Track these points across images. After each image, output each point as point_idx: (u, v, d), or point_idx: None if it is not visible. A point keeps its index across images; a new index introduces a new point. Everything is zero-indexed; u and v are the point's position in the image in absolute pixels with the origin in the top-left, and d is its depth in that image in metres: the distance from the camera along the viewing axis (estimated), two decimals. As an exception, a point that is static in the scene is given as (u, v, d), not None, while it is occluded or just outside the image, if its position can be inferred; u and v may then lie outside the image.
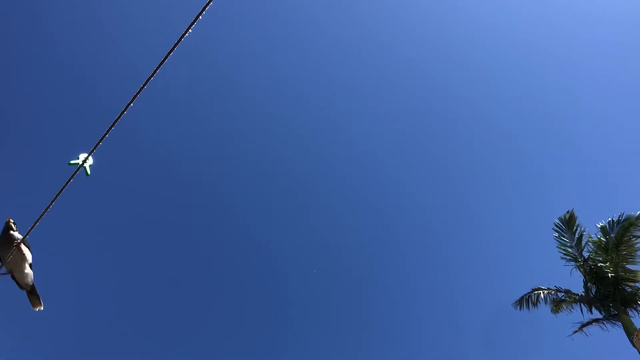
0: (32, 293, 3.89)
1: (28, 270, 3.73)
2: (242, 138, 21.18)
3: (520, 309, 13.36)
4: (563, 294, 13.05)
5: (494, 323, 17.16)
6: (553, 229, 13.47)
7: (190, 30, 2.60)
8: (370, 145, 21.52)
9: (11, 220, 3.63)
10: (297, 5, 20.18)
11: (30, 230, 3.40)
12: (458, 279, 20.56)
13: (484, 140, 21.36)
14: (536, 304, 13.13)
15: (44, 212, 2.69)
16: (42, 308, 3.95)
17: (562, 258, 13.25)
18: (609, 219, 12.73)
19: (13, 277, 3.76)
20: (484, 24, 20.29)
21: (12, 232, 3.60)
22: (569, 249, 13.13)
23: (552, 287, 13.26)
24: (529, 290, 13.39)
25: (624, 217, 12.37)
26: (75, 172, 2.67)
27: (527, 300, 13.27)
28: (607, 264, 12.28)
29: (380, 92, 21.02)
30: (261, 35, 20.02)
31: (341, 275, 21.41)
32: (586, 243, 12.90)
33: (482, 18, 20.16)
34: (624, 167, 20.10)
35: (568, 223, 13.17)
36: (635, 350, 11.12)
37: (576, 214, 13.11)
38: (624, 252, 12.18)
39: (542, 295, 13.14)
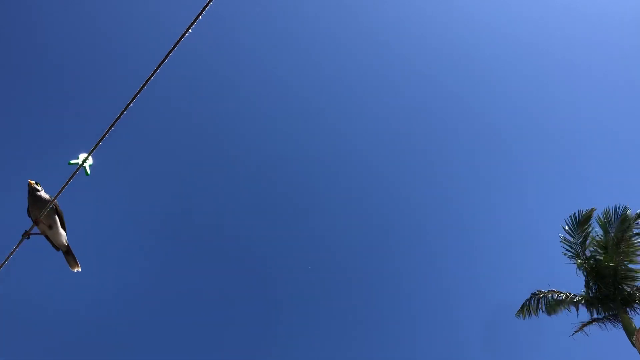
0: (68, 254, 3.88)
1: (61, 230, 3.71)
2: (242, 138, 21.20)
3: (523, 317, 13.26)
4: (563, 296, 13.02)
5: (493, 323, 17.17)
6: (565, 220, 13.25)
7: (190, 30, 2.61)
8: (370, 145, 21.54)
9: (33, 182, 3.55)
10: (297, 5, 20.20)
11: (31, 227, 3.40)
12: (458, 279, 20.57)
13: (485, 142, 21.37)
14: (536, 311, 13.06)
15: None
16: (79, 269, 3.93)
17: (564, 254, 13.24)
18: (608, 210, 12.56)
19: (47, 238, 3.75)
20: (484, 24, 20.30)
21: (38, 193, 3.55)
22: (573, 246, 13.10)
23: (552, 289, 13.24)
24: (529, 295, 13.34)
25: (620, 209, 12.30)
26: (75, 172, 2.67)
27: (528, 308, 13.18)
28: (608, 262, 12.28)
29: (380, 92, 21.03)
30: (261, 35, 20.02)
31: (341, 275, 21.42)
32: (590, 243, 12.86)
33: (481, 18, 20.17)
34: (627, 166, 20.11)
35: (582, 221, 12.90)
36: (635, 350, 11.13)
37: (592, 214, 12.85)
38: (624, 250, 12.17)
39: (542, 299, 13.09)
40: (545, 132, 20.97)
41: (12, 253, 2.67)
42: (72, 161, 2.72)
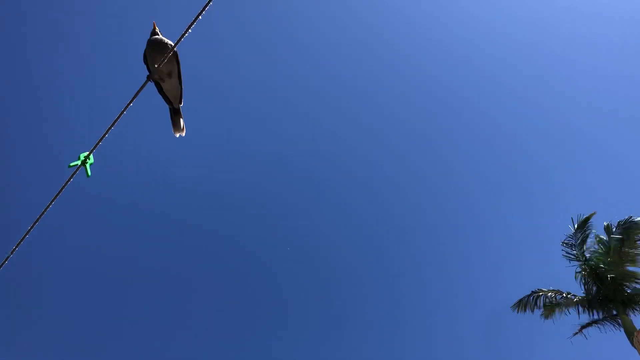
0: (177, 113, 3.43)
1: (177, 83, 3.27)
2: (241, 138, 21.19)
3: (518, 311, 13.34)
4: (562, 296, 13.02)
5: (493, 324, 17.16)
6: (572, 218, 13.32)
7: (190, 30, 2.61)
8: (372, 145, 21.53)
9: (156, 25, 3.16)
10: (296, 5, 20.19)
11: (30, 229, 3.39)
12: (459, 279, 20.55)
13: (487, 141, 21.36)
14: (533, 308, 13.11)
15: (44, 211, 2.69)
16: (183, 134, 3.45)
17: (564, 257, 13.28)
18: (618, 220, 12.69)
19: (160, 90, 3.30)
20: (485, 24, 20.29)
21: (158, 36, 3.11)
22: (572, 248, 13.15)
23: (552, 289, 13.26)
24: (529, 292, 13.37)
25: (630, 221, 12.29)
26: (75, 171, 2.66)
27: (525, 304, 13.24)
28: (609, 264, 12.29)
29: (383, 93, 21.02)
30: (260, 36, 20.01)
31: (342, 274, 21.41)
32: (590, 246, 12.94)
33: (483, 18, 20.16)
34: (629, 168, 20.10)
35: (581, 223, 13.03)
36: (635, 350, 11.12)
37: (591, 217, 12.98)
38: (627, 254, 12.16)
39: (540, 298, 13.13)
40: (548, 132, 20.98)
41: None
42: (72, 163, 2.70)
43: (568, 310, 12.92)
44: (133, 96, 2.64)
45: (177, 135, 3.44)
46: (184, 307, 20.07)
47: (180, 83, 3.25)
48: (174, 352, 18.92)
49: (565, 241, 13.29)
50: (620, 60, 19.11)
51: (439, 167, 21.47)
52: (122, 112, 2.80)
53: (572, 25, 19.50)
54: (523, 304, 13.27)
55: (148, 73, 3.05)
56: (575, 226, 13.11)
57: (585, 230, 13.00)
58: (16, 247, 3.61)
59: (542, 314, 12.94)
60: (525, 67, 20.46)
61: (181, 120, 3.43)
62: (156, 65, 3.01)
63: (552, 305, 12.89)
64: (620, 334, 11.99)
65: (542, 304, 13.04)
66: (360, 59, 20.79)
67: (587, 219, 12.96)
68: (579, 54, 19.66)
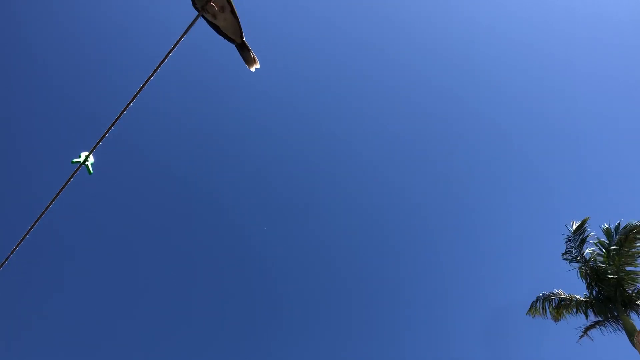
0: (243, 48, 3.21)
1: (233, 17, 3.04)
2: (240, 138, 21.21)
3: (533, 316, 13.51)
4: (565, 298, 13.06)
5: (495, 326, 17.15)
6: (566, 228, 13.53)
7: (190, 31, 2.62)
8: (371, 145, 21.53)
9: None
10: (294, 6, 20.24)
11: (30, 229, 3.40)
12: (460, 282, 20.54)
13: (491, 145, 21.39)
14: (545, 312, 13.23)
15: (44, 210, 2.70)
16: (258, 66, 3.24)
17: (564, 259, 13.35)
18: (616, 223, 12.76)
19: (218, 30, 3.10)
20: (485, 26, 20.33)
21: None
22: (573, 250, 13.22)
23: (556, 291, 13.34)
24: (535, 298, 13.54)
25: (629, 225, 12.33)
26: (76, 170, 2.68)
27: (536, 309, 13.38)
28: (609, 265, 12.31)
29: (381, 94, 21.04)
30: (258, 36, 20.06)
31: (342, 276, 21.39)
32: (589, 250, 12.98)
33: (482, 19, 20.19)
34: (630, 170, 20.13)
35: (577, 227, 13.23)
36: (636, 351, 11.13)
37: (586, 221, 13.18)
38: (626, 255, 12.18)
39: (547, 301, 13.25)
40: (552, 135, 21.02)
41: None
42: (74, 159, 2.71)
43: (575, 311, 12.99)
44: (138, 89, 2.66)
45: (253, 68, 3.25)
46: (183, 303, 20.06)
47: (235, 16, 3.06)
48: (175, 352, 18.91)
49: (566, 251, 13.40)
50: (618, 66, 19.16)
51: (441, 174, 21.50)
52: (123, 112, 2.81)
53: (568, 32, 19.55)
54: (534, 309, 13.42)
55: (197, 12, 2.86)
56: (573, 229, 13.25)
57: (582, 233, 13.13)
58: (17, 246, 3.63)
59: (553, 318, 13.08)
60: (529, 74, 20.52)
61: (251, 53, 3.22)
62: (212, 2, 2.86)
63: (559, 308, 13.00)
64: (621, 335, 12.00)
65: (551, 306, 13.14)
66: (361, 61, 20.83)
67: (582, 223, 13.15)
68: (576, 61, 19.70)
